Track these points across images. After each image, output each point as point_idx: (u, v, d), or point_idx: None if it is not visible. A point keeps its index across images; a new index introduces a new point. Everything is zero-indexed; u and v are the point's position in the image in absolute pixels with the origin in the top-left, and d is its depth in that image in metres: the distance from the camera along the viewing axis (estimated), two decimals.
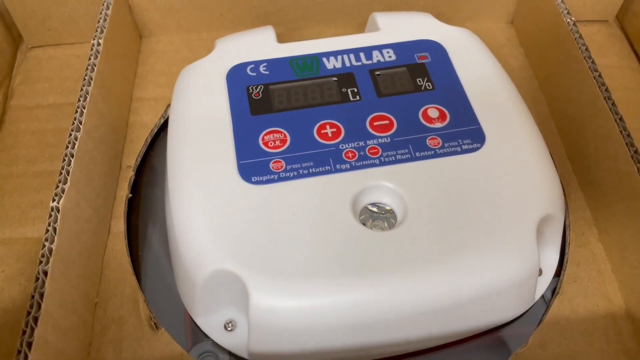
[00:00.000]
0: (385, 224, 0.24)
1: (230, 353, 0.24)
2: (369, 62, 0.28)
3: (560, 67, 0.30)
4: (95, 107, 0.26)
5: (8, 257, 0.26)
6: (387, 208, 0.24)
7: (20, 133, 0.30)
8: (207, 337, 0.24)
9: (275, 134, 0.26)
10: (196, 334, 0.25)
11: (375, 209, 0.24)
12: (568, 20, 0.29)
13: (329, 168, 0.24)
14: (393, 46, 0.29)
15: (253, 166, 0.25)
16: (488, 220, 0.23)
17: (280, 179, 0.24)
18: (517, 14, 0.37)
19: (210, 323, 0.24)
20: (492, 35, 0.36)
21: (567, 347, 0.23)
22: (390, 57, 0.29)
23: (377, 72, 0.28)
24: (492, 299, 0.22)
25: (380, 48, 0.29)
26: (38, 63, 0.34)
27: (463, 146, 0.25)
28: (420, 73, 0.28)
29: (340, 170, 0.24)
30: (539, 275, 0.25)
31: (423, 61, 0.28)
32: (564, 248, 0.27)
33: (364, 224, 0.23)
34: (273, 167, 0.25)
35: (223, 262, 0.22)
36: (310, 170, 0.24)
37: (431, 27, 0.30)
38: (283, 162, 0.25)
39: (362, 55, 0.29)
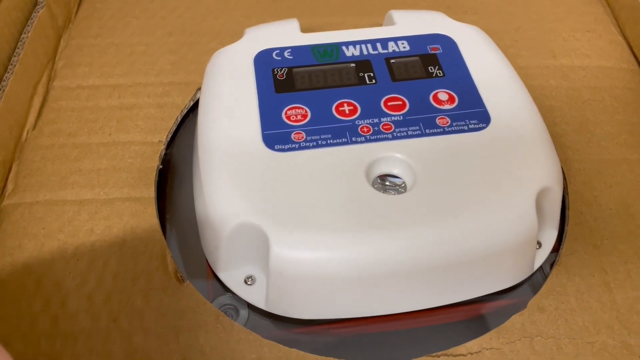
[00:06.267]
0: (396, 193, 0.26)
1: (249, 305, 0.26)
2: (385, 51, 0.31)
3: None
4: None
5: (48, 217, 0.28)
6: (398, 182, 0.26)
7: (62, 110, 0.33)
8: (228, 291, 0.26)
9: (297, 110, 0.28)
10: (217, 289, 0.27)
11: (387, 182, 0.27)
12: None
13: (346, 140, 0.27)
14: (407, 38, 0.32)
15: (276, 136, 0.27)
16: (491, 189, 0.25)
17: (300, 148, 0.26)
18: None
19: (232, 278, 0.26)
20: None
21: (564, 310, 0.25)
22: (404, 47, 0.31)
23: (392, 60, 0.30)
24: (492, 260, 0.24)
25: (395, 40, 0.31)
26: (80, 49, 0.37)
27: (470, 125, 0.27)
28: (431, 62, 0.30)
29: (356, 142, 0.27)
30: (538, 247, 0.27)
31: (435, 52, 0.31)
32: (563, 226, 0.29)
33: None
34: (294, 138, 0.27)
35: (247, 215, 0.24)
36: (329, 141, 0.27)
37: (443, 23, 0.33)
38: (304, 133, 0.27)
39: (378, 45, 0.31)
